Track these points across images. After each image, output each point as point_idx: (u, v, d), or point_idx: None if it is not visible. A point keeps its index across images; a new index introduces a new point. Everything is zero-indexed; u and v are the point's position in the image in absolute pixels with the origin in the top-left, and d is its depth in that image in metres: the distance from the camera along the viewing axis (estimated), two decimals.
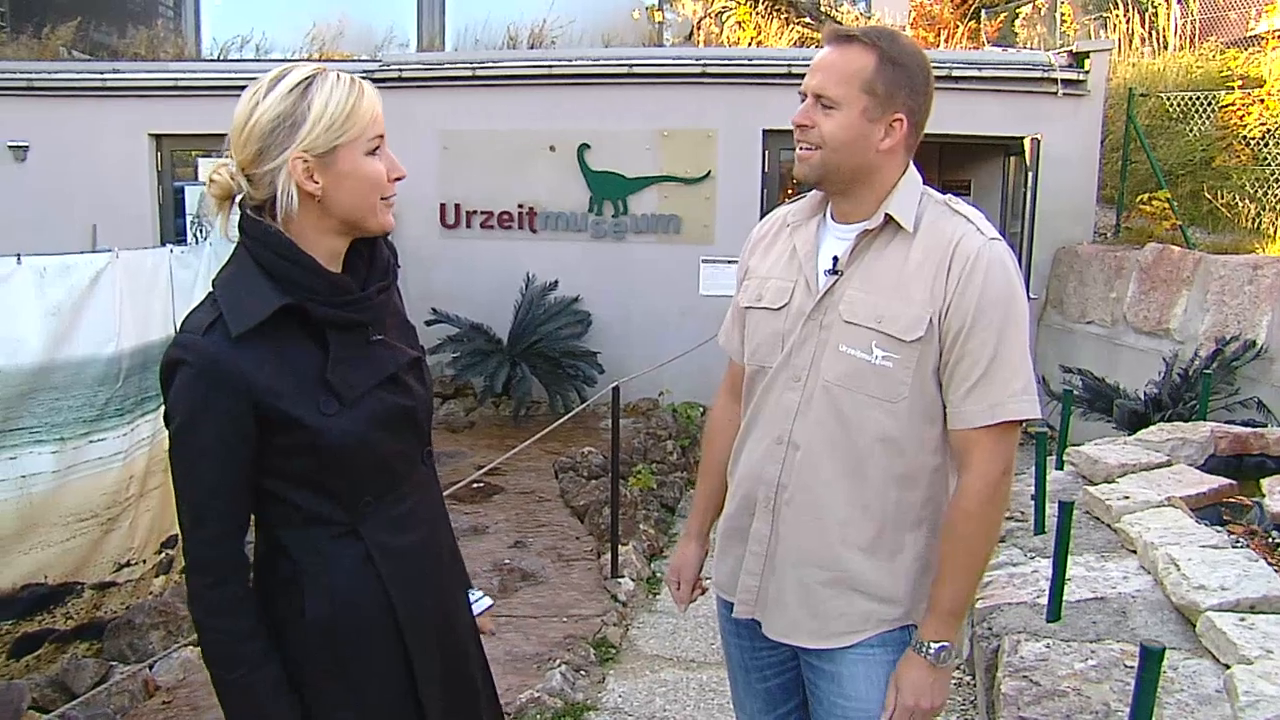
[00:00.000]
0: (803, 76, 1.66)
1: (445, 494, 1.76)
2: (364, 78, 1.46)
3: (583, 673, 3.73)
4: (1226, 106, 7.90)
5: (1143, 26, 10.11)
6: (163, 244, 7.56)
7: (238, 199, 1.42)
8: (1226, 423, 4.55)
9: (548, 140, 8.09)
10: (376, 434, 1.45)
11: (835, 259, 1.68)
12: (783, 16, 9.93)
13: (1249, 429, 4.28)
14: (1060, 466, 4.26)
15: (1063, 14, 11.02)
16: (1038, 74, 7.49)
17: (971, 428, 1.60)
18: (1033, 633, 2.70)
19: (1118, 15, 10.28)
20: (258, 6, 10.97)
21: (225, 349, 1.33)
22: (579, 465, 6.28)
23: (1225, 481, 3.61)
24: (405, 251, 6.49)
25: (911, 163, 1.70)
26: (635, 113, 7.97)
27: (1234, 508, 3.49)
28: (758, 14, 9.90)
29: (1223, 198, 7.30)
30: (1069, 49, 7.72)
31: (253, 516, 1.44)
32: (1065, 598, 2.77)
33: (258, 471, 1.39)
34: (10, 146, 8.68)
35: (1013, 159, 7.89)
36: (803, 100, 1.66)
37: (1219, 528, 3.19)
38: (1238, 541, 3.00)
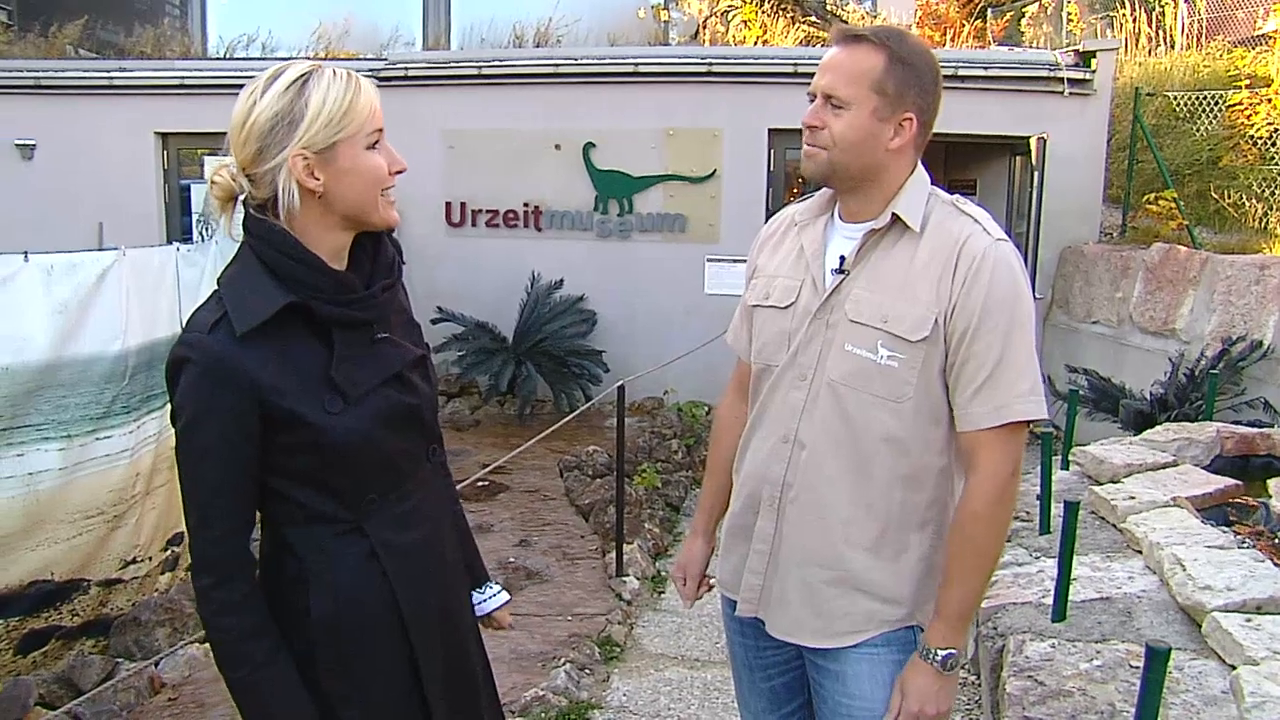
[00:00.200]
0: (808, 75, 1.66)
1: None
2: (369, 76, 1.46)
3: (587, 671, 3.73)
4: (1234, 106, 7.87)
5: (1149, 26, 10.07)
6: (169, 242, 7.57)
7: (240, 199, 1.42)
8: (1233, 423, 4.54)
9: (553, 139, 8.09)
10: (381, 432, 1.45)
11: (842, 258, 1.68)
12: (788, 15, 9.93)
13: (1255, 429, 4.27)
14: (1066, 466, 4.25)
15: (1069, 13, 10.97)
16: (1044, 73, 7.47)
17: (979, 429, 1.59)
18: (1038, 633, 2.69)
19: (1124, 14, 10.25)
20: (264, 5, 11.00)
21: (230, 348, 1.34)
22: (584, 464, 6.28)
23: (1231, 482, 3.60)
24: (411, 250, 6.49)
25: (920, 163, 1.70)
26: (641, 112, 7.97)
27: (1240, 508, 3.48)
28: (763, 13, 9.90)
29: (1229, 197, 7.27)
30: (1075, 48, 7.69)
31: (258, 514, 1.44)
32: (1070, 598, 2.76)
33: (262, 469, 1.40)
34: (17, 145, 8.72)
35: (1018, 158, 7.87)
36: (811, 100, 1.66)
37: (1225, 528, 3.18)
38: (1244, 542, 2.99)
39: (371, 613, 1.46)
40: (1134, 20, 10.16)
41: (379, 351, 1.48)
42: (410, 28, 11.00)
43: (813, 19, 10.00)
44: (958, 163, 8.83)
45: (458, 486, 1.88)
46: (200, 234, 8.06)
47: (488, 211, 8.29)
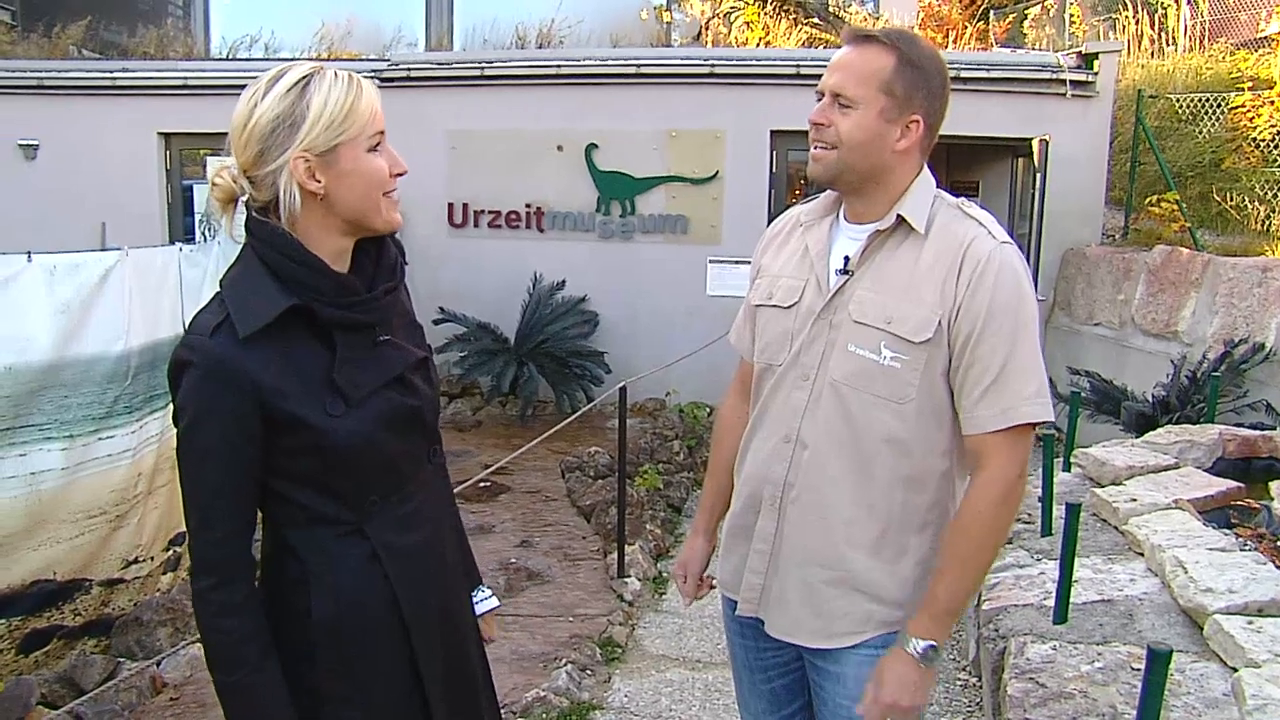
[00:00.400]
0: (811, 77, 1.67)
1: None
2: (372, 77, 1.46)
3: (588, 672, 3.73)
4: (1236, 108, 7.87)
5: (1152, 28, 10.06)
6: (171, 242, 7.57)
7: (242, 200, 1.42)
8: (1235, 425, 4.53)
9: (555, 140, 8.09)
10: (382, 434, 1.45)
11: (846, 259, 1.68)
12: (791, 17, 9.94)
13: (1257, 432, 4.26)
14: (1068, 468, 4.25)
15: (1071, 15, 10.97)
16: (1046, 75, 7.47)
17: (985, 432, 1.59)
18: (1039, 635, 2.69)
19: (1127, 16, 10.23)
20: (266, 6, 11.02)
21: (232, 350, 1.33)
22: (585, 465, 6.28)
23: (1233, 484, 3.60)
24: (413, 251, 6.51)
25: (926, 166, 1.70)
26: (643, 113, 7.97)
27: (1242, 510, 3.48)
28: (766, 14, 9.90)
29: (1232, 200, 7.27)
30: (1078, 50, 7.69)
31: (259, 516, 1.44)
32: (1072, 600, 2.76)
33: (264, 471, 1.40)
34: (20, 145, 8.73)
35: (1021, 160, 7.87)
36: (819, 99, 1.66)
37: (1227, 530, 3.17)
38: (1245, 544, 2.99)
39: (373, 614, 1.46)
40: (1136, 22, 10.15)
41: (381, 354, 1.47)
42: (413, 28, 11.02)
43: (815, 20, 10.00)
44: (960, 164, 8.82)
45: (459, 487, 1.88)
46: (203, 234, 8.06)
47: (490, 212, 8.29)
